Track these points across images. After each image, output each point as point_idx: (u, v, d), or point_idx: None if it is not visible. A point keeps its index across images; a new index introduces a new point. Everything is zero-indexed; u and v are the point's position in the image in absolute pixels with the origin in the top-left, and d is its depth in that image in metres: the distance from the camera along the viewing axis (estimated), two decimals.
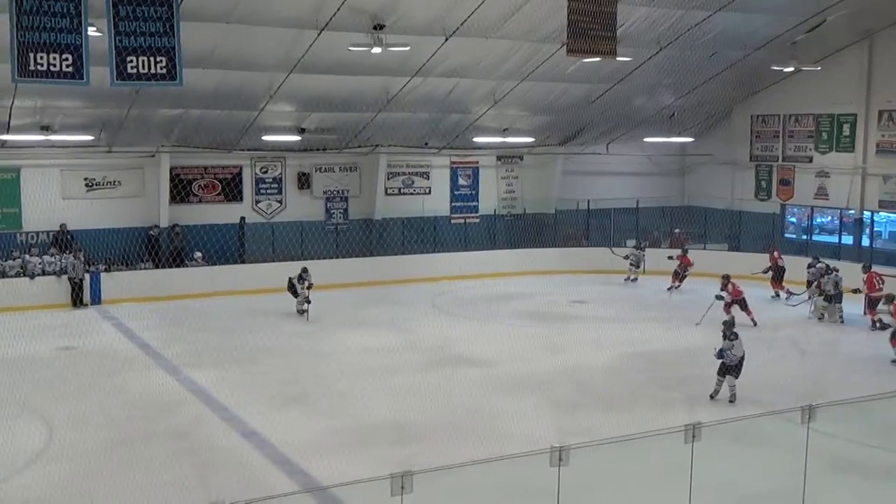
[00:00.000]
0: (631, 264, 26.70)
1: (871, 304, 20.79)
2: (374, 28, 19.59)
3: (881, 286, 20.84)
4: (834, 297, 21.34)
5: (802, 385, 15.95)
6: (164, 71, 14.25)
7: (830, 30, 24.23)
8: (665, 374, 16.79)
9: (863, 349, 19.23)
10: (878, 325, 20.11)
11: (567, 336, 19.87)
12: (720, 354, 15.07)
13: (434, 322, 21.25)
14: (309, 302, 21.13)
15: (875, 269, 21.64)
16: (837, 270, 21.69)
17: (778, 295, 24.09)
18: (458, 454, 10.23)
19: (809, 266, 22.89)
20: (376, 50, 19.60)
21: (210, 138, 24.22)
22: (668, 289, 24.80)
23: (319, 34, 19.63)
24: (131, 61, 13.87)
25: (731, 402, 14.89)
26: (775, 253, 24.75)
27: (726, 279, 21.07)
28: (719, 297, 20.69)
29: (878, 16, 24.92)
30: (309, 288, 21.20)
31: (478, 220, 29.18)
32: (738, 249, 28.42)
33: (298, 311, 21.26)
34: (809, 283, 22.55)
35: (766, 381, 16.05)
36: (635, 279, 26.63)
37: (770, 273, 24.39)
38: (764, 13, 23.15)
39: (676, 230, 30.48)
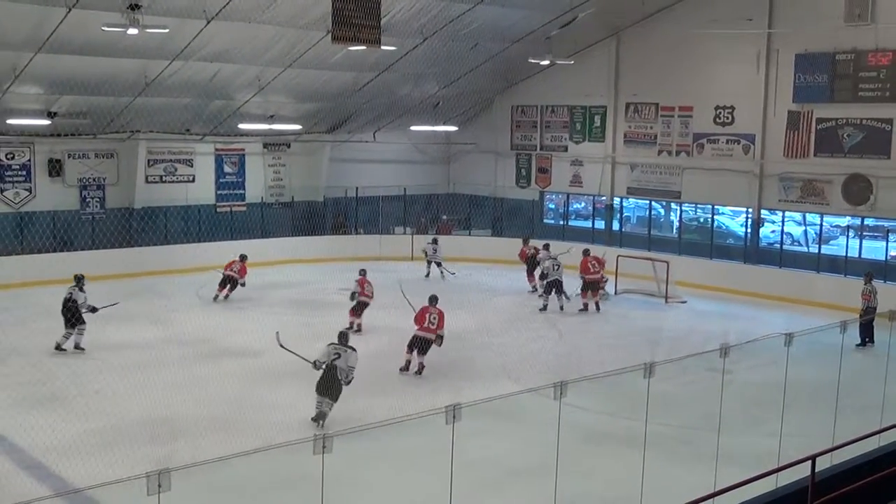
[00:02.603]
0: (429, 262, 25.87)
1: (585, 287, 21.82)
2: (130, 8, 18.65)
3: (596, 269, 22.02)
4: (553, 283, 21.80)
5: (558, 362, 16.83)
6: None
7: (581, 26, 25.56)
8: (431, 357, 17.13)
9: (613, 327, 20.51)
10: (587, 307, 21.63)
11: (335, 323, 19.80)
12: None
13: (198, 313, 20.57)
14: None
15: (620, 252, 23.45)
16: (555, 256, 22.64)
17: (535, 289, 24.23)
18: (222, 448, 9.98)
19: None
20: (132, 31, 18.67)
21: None
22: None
23: (69, 12, 18.48)
24: None
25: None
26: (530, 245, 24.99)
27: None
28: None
29: (623, 14, 26.59)
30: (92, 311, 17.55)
31: (245, 209, 28.53)
32: (501, 235, 29.50)
33: (75, 346, 17.36)
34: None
35: (524, 360, 16.82)
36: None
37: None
38: (520, 8, 24.08)
39: (444, 216, 31.25)
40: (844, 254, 23.53)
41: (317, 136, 29.34)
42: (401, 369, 16.24)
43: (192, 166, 27.37)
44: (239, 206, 28.48)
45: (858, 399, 12.46)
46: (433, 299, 16.65)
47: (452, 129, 31.16)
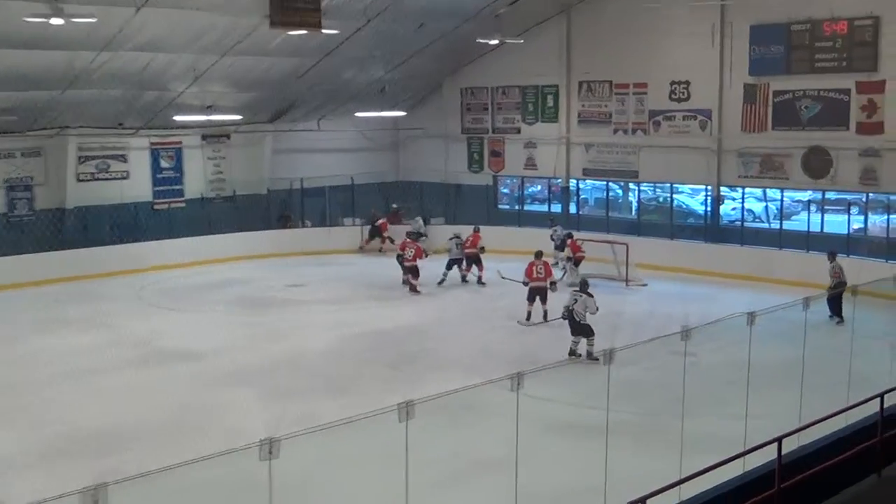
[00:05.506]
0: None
1: (469, 262, 22.90)
2: None
3: (468, 244, 22.84)
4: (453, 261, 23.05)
5: (516, 352, 16.28)
6: None
7: (531, 3, 25.02)
8: (386, 352, 16.65)
9: None
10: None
11: (285, 321, 19.23)
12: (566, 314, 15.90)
13: (140, 316, 19.84)
14: None
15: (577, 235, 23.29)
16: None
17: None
18: (170, 456, 9.13)
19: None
20: (57, 21, 17.53)
21: None
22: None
23: None
24: None
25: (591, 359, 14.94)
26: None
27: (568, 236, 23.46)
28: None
29: None
30: None
31: (184, 205, 27.36)
32: (455, 222, 28.66)
33: None
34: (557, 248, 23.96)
35: (483, 351, 16.37)
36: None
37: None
38: None
39: (394, 205, 30.36)
40: (806, 229, 23.13)
41: (258, 126, 28.35)
42: (524, 321, 18.36)
43: (125, 162, 26.11)
44: (178, 202, 27.32)
45: (824, 377, 12.09)
46: (539, 254, 19.00)
47: (400, 114, 30.31)
